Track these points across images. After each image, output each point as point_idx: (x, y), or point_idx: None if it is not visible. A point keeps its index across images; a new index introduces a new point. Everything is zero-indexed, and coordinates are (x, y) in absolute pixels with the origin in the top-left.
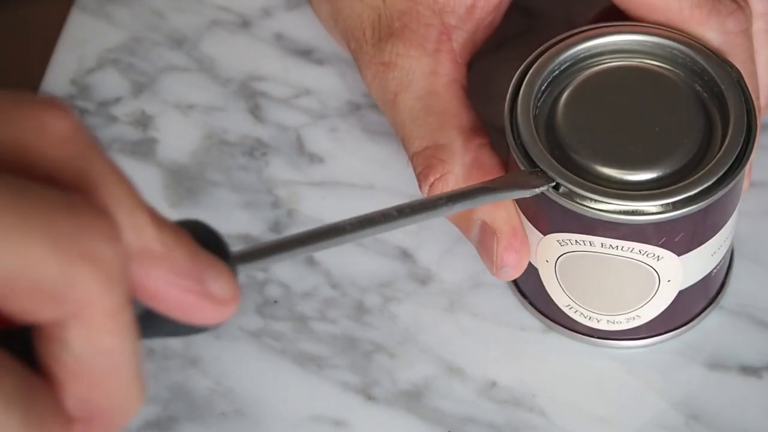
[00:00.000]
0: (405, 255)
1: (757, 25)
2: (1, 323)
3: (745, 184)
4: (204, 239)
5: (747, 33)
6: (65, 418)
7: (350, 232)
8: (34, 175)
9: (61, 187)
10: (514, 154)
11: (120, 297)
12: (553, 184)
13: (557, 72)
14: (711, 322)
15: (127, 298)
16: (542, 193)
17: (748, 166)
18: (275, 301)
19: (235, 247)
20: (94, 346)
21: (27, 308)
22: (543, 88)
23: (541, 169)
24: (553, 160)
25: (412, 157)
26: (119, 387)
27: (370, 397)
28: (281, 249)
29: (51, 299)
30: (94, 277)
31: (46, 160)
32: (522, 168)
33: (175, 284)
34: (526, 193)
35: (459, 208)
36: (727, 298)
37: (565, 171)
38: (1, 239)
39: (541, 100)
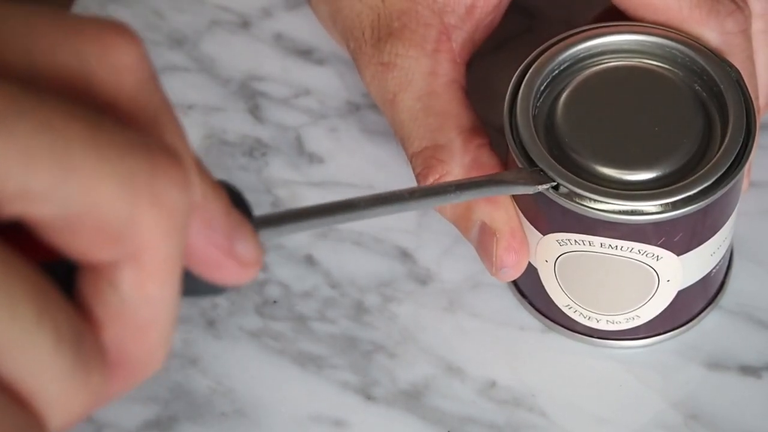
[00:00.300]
0: (405, 255)
1: (756, 26)
2: (43, 254)
3: (745, 184)
4: (231, 199)
5: (746, 33)
6: (104, 361)
7: (363, 209)
8: (96, 103)
9: (121, 117)
10: (513, 154)
11: (179, 246)
12: (553, 184)
13: (557, 72)
14: (710, 322)
15: (183, 248)
16: (542, 193)
17: (747, 166)
18: (275, 301)
19: None
20: (143, 292)
21: (85, 246)
22: (542, 88)
23: (541, 169)
24: (553, 160)
25: (411, 158)
26: (154, 337)
27: (369, 397)
28: (299, 218)
29: (113, 240)
30: (159, 223)
31: (109, 89)
32: (521, 167)
33: (204, 236)
34: (531, 189)
35: (467, 197)
36: (727, 298)
37: (565, 171)
38: (72, 174)
39: (541, 99)
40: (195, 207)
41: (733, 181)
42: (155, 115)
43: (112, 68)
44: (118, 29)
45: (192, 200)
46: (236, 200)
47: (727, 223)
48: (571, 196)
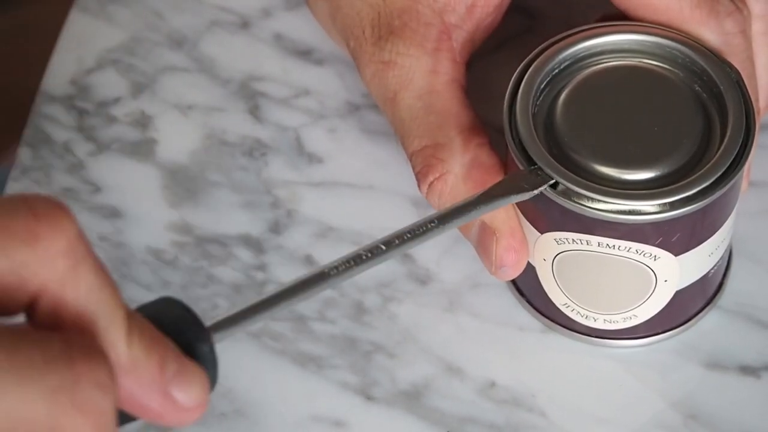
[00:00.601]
0: (404, 255)
1: (756, 28)
2: None
3: (744, 184)
4: (177, 318)
5: (745, 34)
6: None
7: (335, 276)
8: (28, 294)
9: (50, 303)
10: (512, 152)
11: None
12: (551, 182)
13: (557, 71)
14: (709, 321)
15: None
16: (540, 192)
17: (747, 168)
18: None
19: (235, 247)
20: None
21: None
22: (542, 86)
23: (540, 167)
24: (552, 159)
25: (411, 156)
26: None
27: (369, 397)
28: (259, 310)
29: None
30: (86, 426)
31: (39, 279)
32: (520, 167)
33: (140, 394)
34: (523, 197)
35: (451, 227)
36: (726, 298)
37: (564, 169)
38: None
39: (540, 98)
40: (124, 370)
41: (731, 182)
42: (85, 297)
43: (42, 260)
44: (50, 214)
45: (116, 394)
46: (181, 316)
47: (726, 223)
48: (569, 195)
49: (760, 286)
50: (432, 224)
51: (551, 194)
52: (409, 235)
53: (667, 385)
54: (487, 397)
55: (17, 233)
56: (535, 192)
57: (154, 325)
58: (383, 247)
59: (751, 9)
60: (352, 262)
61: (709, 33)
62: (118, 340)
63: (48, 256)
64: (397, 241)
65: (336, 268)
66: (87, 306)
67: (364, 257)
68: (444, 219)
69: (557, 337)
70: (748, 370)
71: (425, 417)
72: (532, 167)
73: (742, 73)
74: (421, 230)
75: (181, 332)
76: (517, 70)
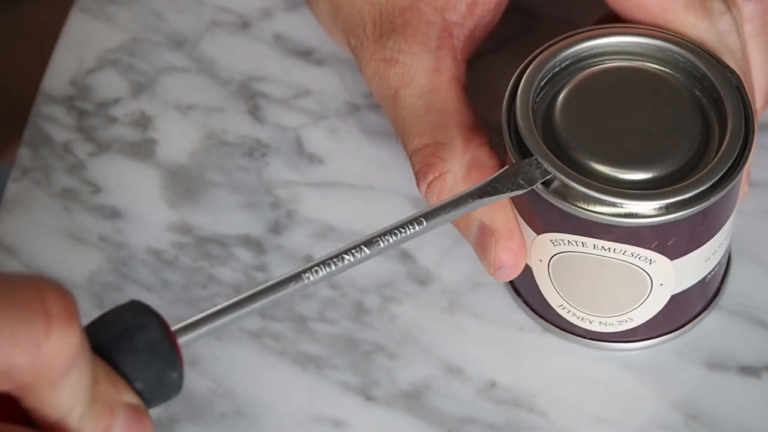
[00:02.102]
0: (404, 255)
1: (746, 29)
2: None
3: (744, 190)
4: (150, 345)
5: (739, 33)
6: None
7: (313, 282)
8: (6, 386)
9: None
10: (508, 147)
11: None
12: (546, 178)
13: (558, 69)
14: (710, 322)
15: None
16: (535, 192)
17: (745, 175)
18: None
19: (235, 248)
20: None
21: None
22: (543, 83)
23: (535, 160)
24: (548, 152)
25: (411, 155)
26: None
27: (369, 398)
28: (226, 312)
29: None
30: None
31: (27, 381)
32: (514, 160)
33: None
34: (516, 193)
35: (438, 224)
36: (726, 298)
37: (560, 162)
38: None
39: (540, 95)
40: None
41: (728, 188)
42: (62, 397)
43: (39, 370)
44: (61, 330)
45: None
46: (157, 346)
47: (723, 229)
48: (565, 195)
49: (760, 286)
50: (418, 221)
51: (546, 194)
52: (393, 234)
53: (668, 386)
54: (487, 397)
55: (25, 344)
56: (523, 190)
57: (126, 347)
58: (366, 249)
59: (741, 10)
60: (332, 264)
61: (704, 32)
62: (74, 420)
63: (45, 369)
64: (380, 241)
65: (315, 270)
66: (61, 403)
67: (345, 259)
68: (428, 216)
69: (557, 337)
70: (748, 370)
71: (425, 417)
72: (529, 159)
73: (737, 72)
74: (406, 228)
75: (152, 361)
76: (520, 67)
